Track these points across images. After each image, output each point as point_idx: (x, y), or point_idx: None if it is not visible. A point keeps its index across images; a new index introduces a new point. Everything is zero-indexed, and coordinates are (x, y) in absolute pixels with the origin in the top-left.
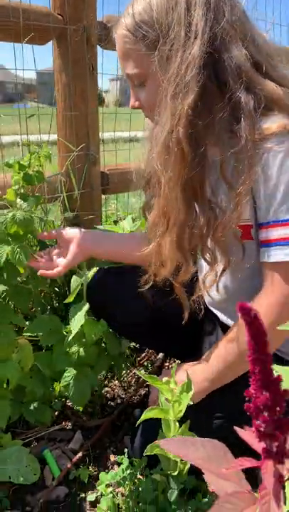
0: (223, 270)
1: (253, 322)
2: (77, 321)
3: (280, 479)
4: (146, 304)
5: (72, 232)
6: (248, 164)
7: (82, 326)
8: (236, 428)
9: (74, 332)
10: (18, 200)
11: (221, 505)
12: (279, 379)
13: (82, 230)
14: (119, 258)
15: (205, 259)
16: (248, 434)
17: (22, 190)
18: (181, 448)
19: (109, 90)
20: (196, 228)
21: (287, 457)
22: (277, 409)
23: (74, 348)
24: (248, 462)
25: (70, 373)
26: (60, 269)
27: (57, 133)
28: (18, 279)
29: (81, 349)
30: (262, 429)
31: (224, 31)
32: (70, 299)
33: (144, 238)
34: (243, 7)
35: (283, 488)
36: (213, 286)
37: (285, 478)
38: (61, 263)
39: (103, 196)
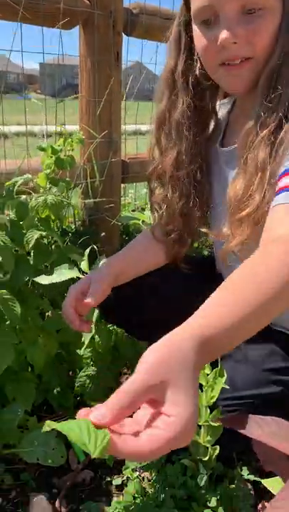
0: None
1: None
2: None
3: None
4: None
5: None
6: None
7: (95, 333)
8: None
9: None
10: (49, 184)
11: None
12: None
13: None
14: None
15: None
16: None
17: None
18: (245, 425)
19: None
20: None
21: None
22: None
23: (87, 354)
24: None
25: (85, 373)
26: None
27: (79, 119)
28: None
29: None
30: None
31: None
32: None
33: (152, 243)
34: None
35: None
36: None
37: None
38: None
39: (122, 185)
